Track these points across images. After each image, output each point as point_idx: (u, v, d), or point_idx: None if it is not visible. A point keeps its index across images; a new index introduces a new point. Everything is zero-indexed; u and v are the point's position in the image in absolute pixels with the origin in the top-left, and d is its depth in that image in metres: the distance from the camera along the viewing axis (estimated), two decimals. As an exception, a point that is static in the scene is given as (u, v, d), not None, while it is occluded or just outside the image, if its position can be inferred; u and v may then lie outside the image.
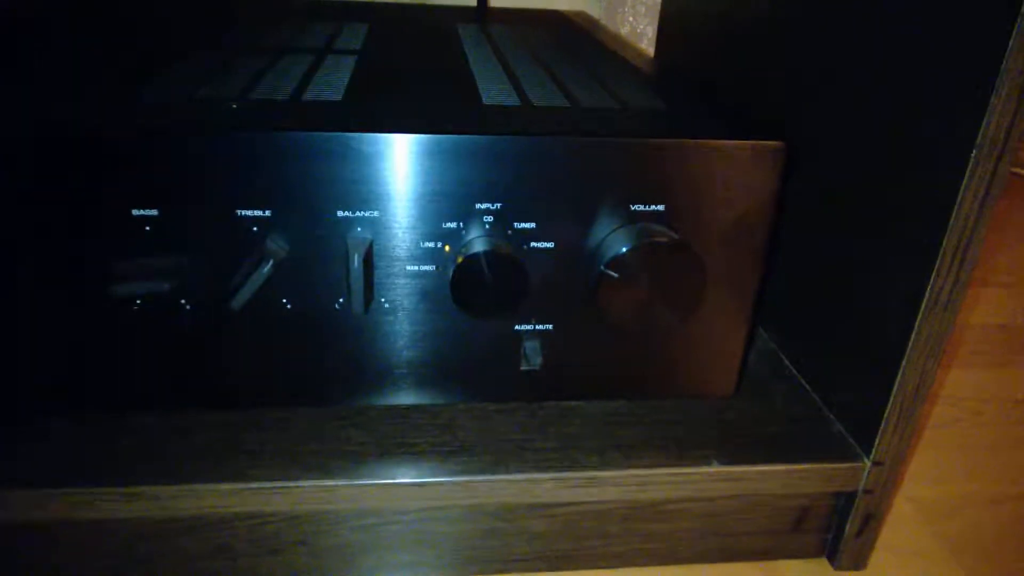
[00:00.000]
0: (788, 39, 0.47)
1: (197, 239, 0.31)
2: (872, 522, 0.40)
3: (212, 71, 0.39)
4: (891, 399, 0.36)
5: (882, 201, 0.37)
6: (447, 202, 0.32)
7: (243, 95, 0.35)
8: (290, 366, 0.35)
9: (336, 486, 0.35)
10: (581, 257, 0.34)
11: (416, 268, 0.33)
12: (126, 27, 0.53)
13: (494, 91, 0.39)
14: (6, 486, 0.33)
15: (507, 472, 0.36)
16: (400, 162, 0.31)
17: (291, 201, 0.31)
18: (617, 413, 0.40)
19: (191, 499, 0.34)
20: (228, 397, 0.36)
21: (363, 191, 0.31)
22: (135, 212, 0.31)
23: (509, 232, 0.33)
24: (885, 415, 0.37)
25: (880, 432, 0.37)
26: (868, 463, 0.38)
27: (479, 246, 0.32)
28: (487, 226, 0.33)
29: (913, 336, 0.35)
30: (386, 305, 0.34)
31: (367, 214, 0.32)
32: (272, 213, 0.31)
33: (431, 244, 0.33)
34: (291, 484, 0.34)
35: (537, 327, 0.35)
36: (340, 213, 0.32)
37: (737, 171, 0.33)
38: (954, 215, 0.32)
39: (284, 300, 0.33)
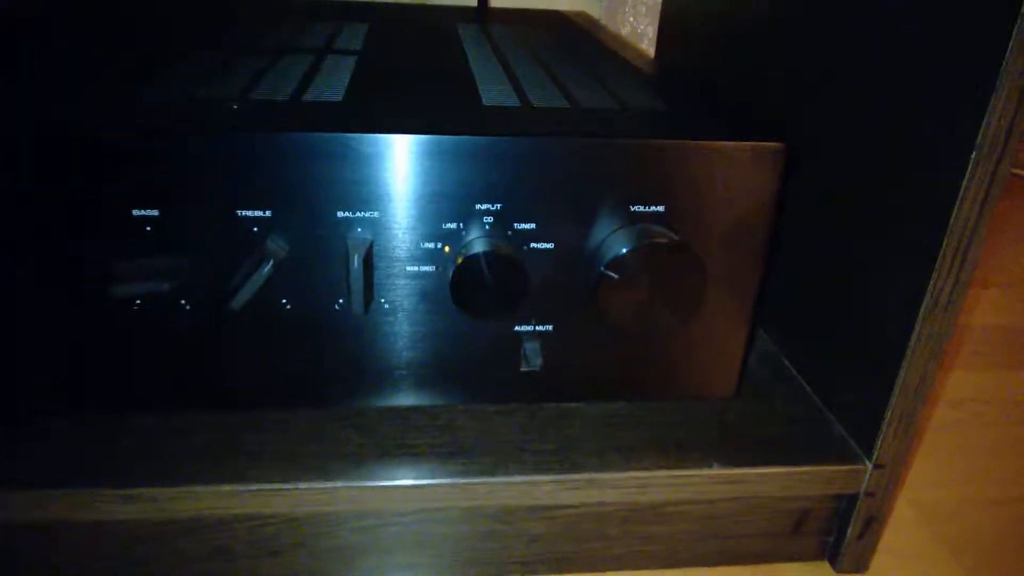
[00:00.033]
0: (788, 39, 0.47)
1: (197, 239, 0.31)
2: (874, 525, 0.40)
3: (212, 71, 0.39)
4: (892, 401, 0.36)
5: (882, 201, 0.37)
6: (447, 203, 0.32)
7: (243, 95, 0.35)
8: (290, 367, 0.35)
9: (335, 488, 0.34)
10: (581, 258, 0.34)
11: (416, 269, 0.33)
12: (126, 27, 0.53)
13: (494, 92, 0.39)
14: (5, 486, 0.33)
15: (506, 474, 0.36)
16: (400, 163, 0.31)
17: (291, 201, 0.31)
18: (617, 415, 0.40)
19: (190, 500, 0.34)
20: (228, 398, 0.36)
21: (363, 192, 0.31)
22: (135, 212, 0.31)
23: (509, 233, 0.33)
24: (886, 417, 0.37)
25: (881, 434, 0.37)
26: (869, 465, 0.38)
27: (479, 247, 0.32)
28: (487, 227, 0.33)
29: (914, 337, 0.35)
30: (386, 306, 0.34)
31: (367, 215, 0.32)
32: (272, 213, 0.31)
33: (431, 245, 0.33)
34: (290, 486, 0.34)
35: (537, 328, 0.35)
36: (340, 214, 0.32)
37: (737, 172, 0.33)
38: (954, 216, 0.32)
39: (284, 301, 0.33)
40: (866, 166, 0.39)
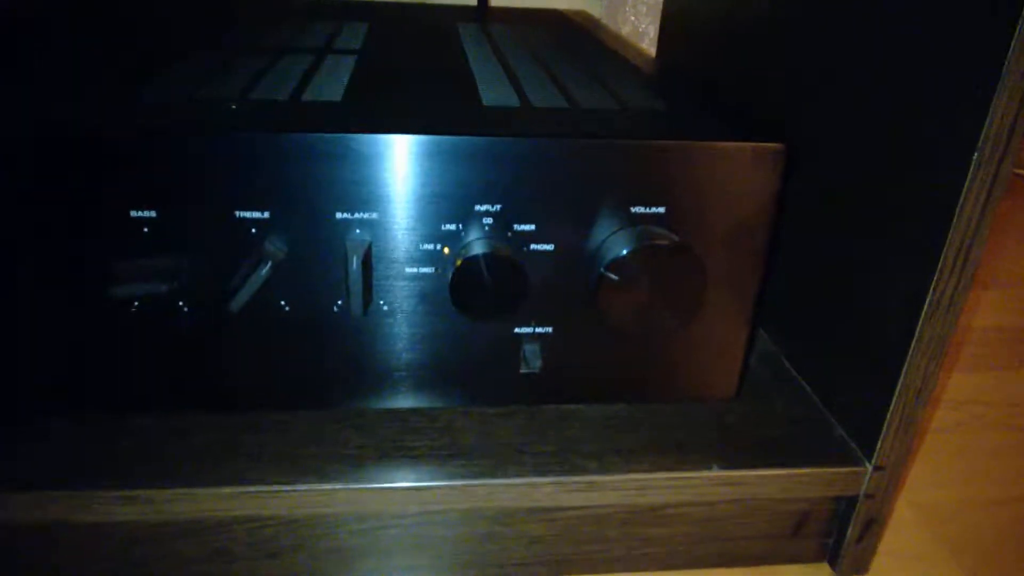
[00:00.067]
0: (789, 39, 0.47)
1: (196, 240, 0.31)
2: (874, 527, 0.40)
3: (211, 71, 0.39)
4: (893, 402, 0.36)
5: (883, 201, 0.37)
6: (446, 204, 0.32)
7: (243, 95, 0.35)
8: (289, 369, 0.35)
9: (334, 489, 0.34)
10: (581, 259, 0.34)
11: (415, 270, 0.33)
12: (126, 27, 0.52)
13: (494, 92, 0.39)
14: (5, 487, 0.33)
15: (506, 476, 0.35)
16: (399, 163, 0.31)
17: (290, 202, 0.31)
18: (617, 416, 0.40)
19: (189, 502, 0.34)
20: (227, 399, 0.36)
21: (362, 192, 0.31)
22: (134, 213, 0.31)
23: (509, 234, 0.33)
24: (887, 419, 0.37)
25: (882, 436, 0.37)
26: (869, 467, 0.38)
27: (478, 248, 0.32)
28: (486, 228, 0.32)
29: (915, 338, 0.35)
30: (385, 307, 0.34)
31: (366, 216, 0.32)
32: (271, 214, 0.31)
33: (430, 246, 0.33)
34: (289, 487, 0.34)
35: (537, 330, 0.35)
36: (339, 215, 0.32)
37: (737, 173, 0.33)
38: (956, 216, 0.32)
39: (283, 302, 0.33)
40: (867, 166, 0.39)
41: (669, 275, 0.33)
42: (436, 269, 0.33)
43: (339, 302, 0.33)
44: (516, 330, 0.35)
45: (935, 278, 0.33)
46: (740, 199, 0.33)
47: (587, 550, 0.40)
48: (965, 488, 0.49)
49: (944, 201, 0.32)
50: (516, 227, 0.33)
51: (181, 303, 0.33)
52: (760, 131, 0.34)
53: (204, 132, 0.30)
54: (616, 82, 0.42)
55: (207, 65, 0.40)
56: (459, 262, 0.32)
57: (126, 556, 0.37)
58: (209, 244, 0.31)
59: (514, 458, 0.37)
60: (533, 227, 0.33)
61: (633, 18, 0.79)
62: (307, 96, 0.35)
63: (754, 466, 0.37)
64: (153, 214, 0.31)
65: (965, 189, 0.31)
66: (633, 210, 0.33)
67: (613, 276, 0.32)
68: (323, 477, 0.35)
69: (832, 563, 0.41)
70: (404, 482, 0.35)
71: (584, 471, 0.36)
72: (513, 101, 0.37)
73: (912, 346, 0.35)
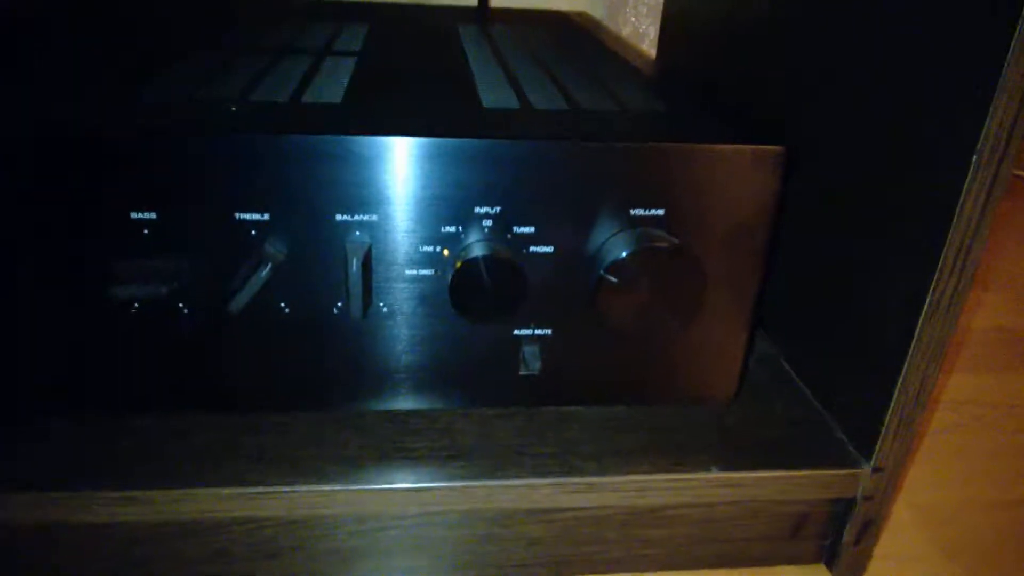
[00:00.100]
0: (789, 39, 0.47)
1: (196, 242, 0.31)
2: (871, 529, 0.40)
3: (212, 72, 0.39)
4: (891, 404, 0.36)
5: (883, 202, 0.37)
6: (446, 206, 0.32)
7: (243, 97, 0.35)
8: (289, 370, 0.35)
9: (334, 491, 0.34)
10: (580, 262, 0.34)
11: (415, 272, 0.33)
12: (126, 27, 0.52)
13: (494, 93, 0.39)
14: (5, 488, 0.33)
15: (505, 477, 0.36)
16: (399, 166, 0.31)
17: (290, 204, 0.31)
18: (616, 418, 0.40)
19: (189, 503, 0.34)
20: (227, 401, 0.36)
21: (362, 194, 0.31)
22: (134, 215, 0.31)
23: (508, 236, 0.33)
24: (885, 421, 0.37)
25: (880, 438, 0.37)
26: (868, 469, 0.38)
27: (478, 250, 0.32)
28: (486, 230, 0.32)
29: (914, 340, 0.35)
30: (384, 309, 0.34)
31: (366, 218, 0.32)
32: (271, 216, 0.31)
33: (430, 248, 0.33)
34: (289, 488, 0.34)
35: (536, 332, 0.35)
36: (339, 217, 0.32)
37: (736, 175, 0.33)
38: (956, 218, 0.32)
39: (282, 304, 0.33)
40: (867, 166, 0.39)
41: (668, 277, 0.33)
42: (436, 271, 0.33)
43: (339, 304, 0.33)
44: (515, 332, 0.35)
45: (934, 279, 0.33)
46: (739, 201, 0.33)
47: (586, 551, 0.40)
48: (964, 490, 0.49)
49: (944, 202, 0.32)
50: (516, 229, 0.33)
51: (181, 304, 0.33)
52: (759, 133, 0.34)
53: (204, 133, 0.30)
54: (616, 83, 0.42)
55: (207, 66, 0.40)
56: (459, 264, 0.32)
57: (126, 556, 0.37)
58: (209, 246, 0.31)
59: (513, 460, 0.37)
60: (533, 229, 0.33)
61: (634, 19, 0.79)
62: (307, 98, 0.35)
63: (753, 468, 0.37)
64: (153, 216, 0.31)
65: (965, 190, 0.31)
66: (632, 212, 0.33)
67: (612, 278, 0.32)
68: (323, 478, 0.35)
69: (829, 565, 0.42)
70: (403, 483, 0.35)
71: (583, 473, 0.36)
72: (513, 103, 0.37)
73: (911, 348, 0.35)
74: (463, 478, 0.35)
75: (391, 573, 0.39)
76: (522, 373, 0.36)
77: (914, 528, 0.45)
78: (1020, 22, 0.28)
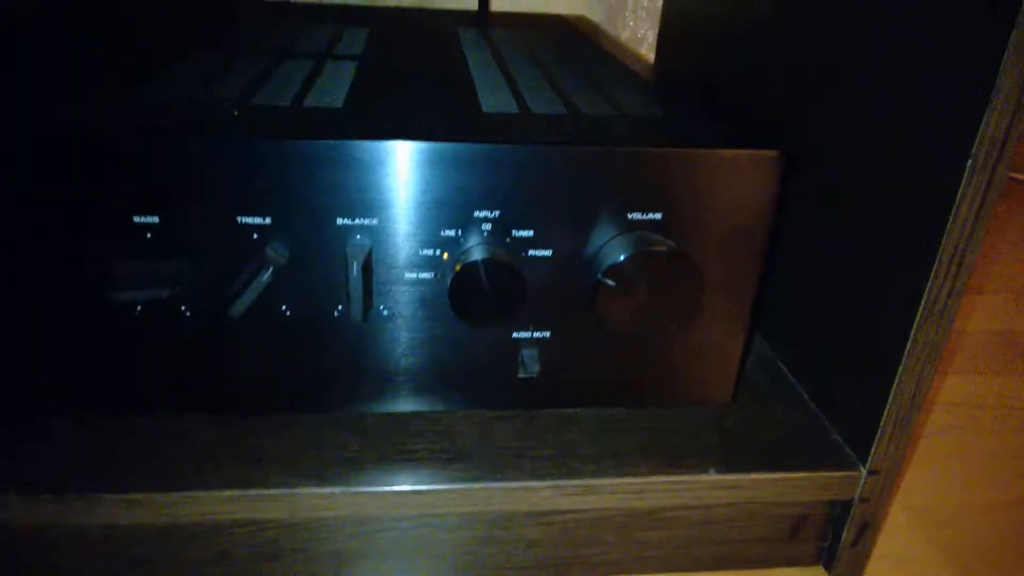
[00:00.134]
0: (788, 41, 0.47)
1: (198, 246, 0.32)
2: (868, 531, 0.40)
3: (213, 74, 0.39)
4: (887, 407, 0.36)
5: (880, 205, 0.37)
6: (446, 210, 0.32)
7: (244, 100, 0.35)
8: (289, 373, 0.35)
9: (334, 493, 0.35)
10: (579, 265, 0.34)
11: (415, 276, 0.33)
12: (126, 28, 0.53)
13: (493, 98, 0.39)
14: (5, 489, 0.33)
15: (505, 480, 0.36)
16: (399, 170, 0.31)
17: (291, 208, 0.31)
18: (615, 420, 0.40)
19: (189, 505, 0.34)
20: (228, 403, 0.36)
21: (362, 199, 0.32)
22: (137, 219, 0.31)
23: (507, 240, 0.33)
24: (881, 423, 0.37)
25: (876, 440, 0.37)
26: (864, 472, 0.38)
27: (477, 254, 0.32)
28: (485, 234, 0.33)
29: (909, 343, 0.35)
30: (385, 312, 0.34)
31: (366, 222, 0.32)
32: (272, 220, 0.31)
33: (430, 252, 0.33)
34: (289, 491, 0.34)
35: (535, 335, 0.35)
36: (339, 221, 0.32)
37: (734, 179, 0.33)
38: (951, 222, 0.32)
39: (284, 307, 0.33)
40: (865, 168, 0.39)
41: (666, 281, 0.33)
42: (435, 274, 0.33)
43: (339, 307, 0.34)
44: (514, 335, 0.35)
45: (929, 284, 0.34)
46: (737, 205, 0.34)
47: (585, 553, 0.40)
48: (961, 491, 0.49)
49: (941, 204, 0.32)
50: (515, 233, 0.33)
51: (183, 308, 0.33)
52: (758, 136, 0.34)
53: (206, 137, 0.30)
54: (614, 87, 0.43)
55: (208, 68, 0.40)
56: (458, 267, 0.32)
57: (126, 558, 0.37)
58: (211, 249, 0.32)
59: (513, 462, 0.37)
60: (531, 233, 0.33)
61: (632, 23, 0.79)
62: (308, 102, 0.36)
63: (751, 470, 0.38)
64: (156, 219, 0.31)
65: (960, 194, 0.32)
66: (630, 216, 0.33)
67: (611, 282, 0.33)
68: (323, 480, 0.35)
69: (827, 567, 0.42)
70: (403, 486, 0.35)
71: (582, 475, 0.36)
72: (512, 107, 0.37)
73: (907, 350, 0.35)
74: (463, 480, 0.36)
75: (391, 575, 0.39)
76: (521, 376, 0.36)
77: (912, 529, 0.45)
78: (1015, 28, 0.29)
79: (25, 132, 0.29)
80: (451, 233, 0.33)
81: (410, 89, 0.40)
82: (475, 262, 0.32)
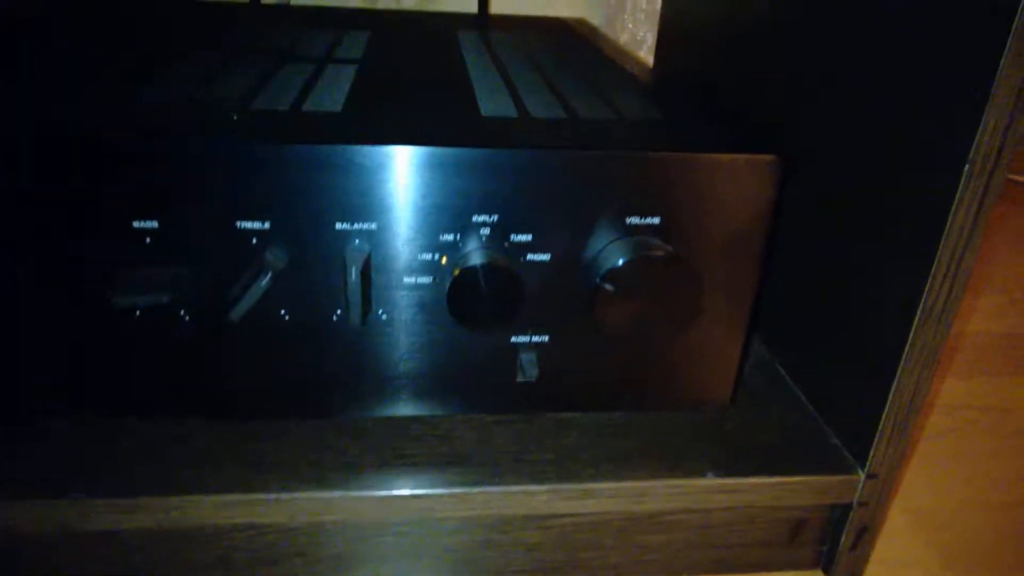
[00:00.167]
0: (788, 41, 0.47)
1: (197, 250, 0.32)
2: (866, 535, 0.40)
3: (213, 78, 0.39)
4: (886, 410, 0.36)
5: (879, 207, 0.37)
6: (444, 214, 0.32)
7: (244, 105, 0.35)
8: (288, 377, 0.35)
9: (333, 497, 0.35)
10: (577, 269, 0.34)
11: (413, 280, 0.33)
12: (126, 29, 0.53)
13: (493, 102, 0.39)
14: (5, 495, 0.33)
15: (504, 484, 0.36)
16: (398, 175, 0.31)
17: (290, 213, 0.31)
18: (614, 424, 0.40)
19: (189, 509, 0.34)
20: (227, 407, 0.36)
21: (361, 203, 0.32)
22: (136, 224, 0.31)
23: (506, 244, 0.33)
24: (880, 427, 0.37)
25: (875, 444, 0.37)
26: (862, 475, 0.38)
27: (476, 258, 0.32)
28: (484, 238, 0.33)
29: (907, 346, 0.35)
30: (384, 317, 0.34)
31: (365, 226, 0.32)
32: (271, 225, 0.32)
33: (428, 256, 0.33)
34: (289, 495, 0.34)
35: (533, 339, 0.35)
36: (338, 225, 0.32)
37: (732, 184, 0.33)
38: (948, 226, 0.32)
39: (283, 311, 0.33)
40: (864, 170, 0.39)
41: (664, 285, 0.33)
42: (434, 279, 0.33)
43: (338, 311, 0.34)
44: (513, 339, 0.35)
45: (927, 286, 0.34)
46: (735, 209, 0.34)
47: (584, 557, 0.40)
48: (960, 494, 0.49)
49: (939, 207, 0.32)
50: (513, 237, 0.33)
51: (182, 312, 0.33)
52: (757, 139, 0.34)
53: (205, 141, 0.30)
54: (612, 91, 0.43)
55: (208, 72, 0.41)
56: (457, 272, 0.32)
57: (126, 562, 0.37)
58: (210, 254, 0.32)
59: (512, 466, 0.37)
60: (530, 237, 0.33)
61: (631, 25, 0.79)
62: (308, 106, 0.36)
63: (749, 473, 0.38)
64: (155, 224, 0.31)
65: (957, 199, 0.32)
66: (628, 221, 0.33)
67: (609, 286, 0.33)
68: (322, 485, 0.35)
69: (826, 570, 0.42)
70: (403, 490, 0.35)
71: (581, 479, 0.36)
72: (511, 111, 0.37)
73: (904, 354, 0.35)
74: (462, 484, 0.36)
75: (390, 579, 0.39)
76: (520, 380, 0.36)
77: (911, 532, 0.45)
78: (1011, 36, 0.29)
79: (25, 132, 0.30)
80: (450, 237, 0.33)
81: (409, 93, 0.40)
82: (474, 266, 0.32)
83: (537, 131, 0.35)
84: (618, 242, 0.33)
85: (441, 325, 0.35)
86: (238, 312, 0.32)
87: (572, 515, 0.39)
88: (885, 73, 0.37)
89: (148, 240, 0.31)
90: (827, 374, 0.42)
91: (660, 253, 0.32)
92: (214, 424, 0.38)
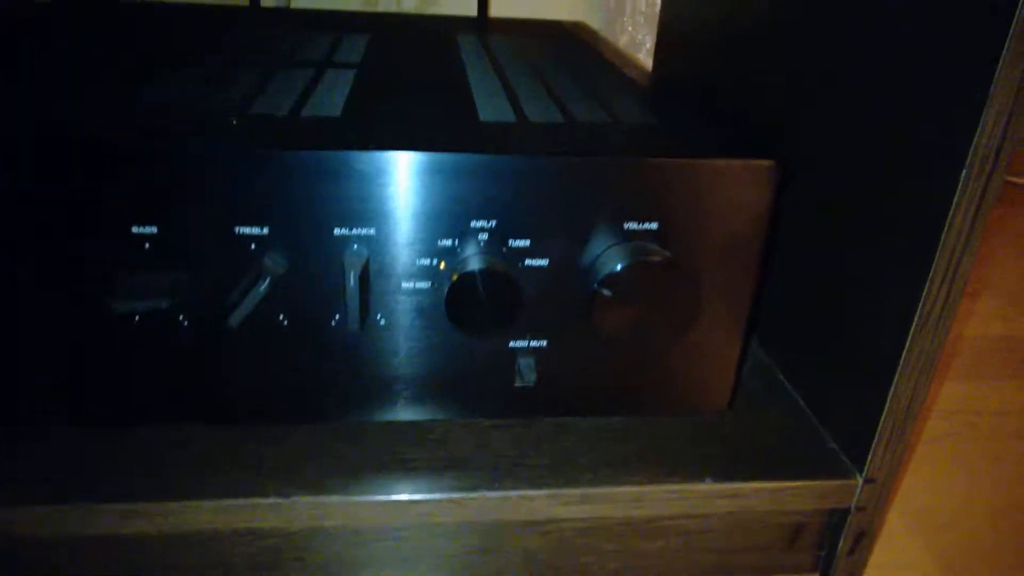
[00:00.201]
0: (787, 43, 0.47)
1: (196, 256, 0.32)
2: (864, 539, 0.40)
3: (212, 84, 0.39)
4: (883, 415, 0.37)
5: (878, 211, 0.37)
6: (443, 220, 0.32)
7: (243, 109, 0.35)
8: (287, 382, 0.35)
9: (332, 502, 0.35)
10: (575, 275, 0.34)
11: (412, 285, 0.34)
12: (126, 30, 0.53)
13: (491, 106, 0.39)
14: (3, 500, 0.33)
15: (502, 488, 0.36)
16: (397, 180, 0.31)
17: (288, 218, 0.31)
18: (612, 429, 0.40)
19: (187, 514, 0.34)
20: (226, 412, 0.36)
21: (360, 209, 0.32)
22: (135, 229, 0.31)
23: (504, 250, 0.33)
24: (878, 431, 0.37)
25: (873, 449, 0.37)
26: (860, 480, 0.38)
27: (474, 264, 0.32)
28: (482, 244, 0.33)
29: (905, 351, 0.35)
30: (382, 322, 0.34)
31: (363, 232, 0.32)
32: (270, 230, 0.32)
33: (426, 261, 0.33)
34: (287, 500, 0.34)
35: (531, 344, 0.35)
36: (337, 231, 0.32)
37: (729, 189, 0.33)
38: (945, 231, 0.32)
39: (281, 317, 0.33)
40: (863, 173, 0.39)
41: (662, 290, 0.33)
42: (432, 284, 0.34)
43: (337, 317, 0.34)
44: (511, 344, 0.35)
45: (925, 291, 0.34)
46: (732, 214, 0.34)
47: (582, 562, 0.40)
48: (958, 498, 0.49)
49: (937, 210, 0.32)
50: (511, 243, 0.33)
51: (181, 317, 0.33)
52: (755, 143, 0.34)
53: (204, 146, 0.30)
54: (611, 95, 0.43)
55: (206, 76, 0.41)
56: (455, 277, 0.32)
57: (125, 565, 0.37)
58: (209, 259, 0.32)
59: (510, 471, 0.37)
60: (528, 243, 0.33)
61: (630, 28, 0.79)
62: (307, 111, 0.36)
63: (747, 478, 0.38)
64: (154, 229, 0.31)
65: (954, 204, 0.32)
66: (626, 226, 0.33)
67: (607, 292, 0.33)
68: (321, 489, 0.35)
69: (824, 575, 0.42)
70: (401, 495, 0.35)
71: (579, 484, 0.36)
72: (510, 116, 0.37)
73: (902, 358, 0.35)
74: (460, 489, 0.36)
75: (388, 583, 0.39)
76: (518, 385, 0.36)
77: (909, 537, 0.45)
78: (1010, 37, 0.29)
79: (25, 132, 0.30)
80: (448, 243, 0.33)
81: (408, 98, 0.40)
82: (472, 272, 0.32)
83: (535, 136, 0.35)
84: (616, 247, 0.33)
85: (439, 330, 0.35)
86: (237, 317, 0.32)
87: (570, 520, 0.39)
88: (884, 74, 0.37)
89: (147, 245, 0.31)
90: (825, 379, 0.42)
91: (658, 258, 0.33)
92: (213, 429, 0.38)
